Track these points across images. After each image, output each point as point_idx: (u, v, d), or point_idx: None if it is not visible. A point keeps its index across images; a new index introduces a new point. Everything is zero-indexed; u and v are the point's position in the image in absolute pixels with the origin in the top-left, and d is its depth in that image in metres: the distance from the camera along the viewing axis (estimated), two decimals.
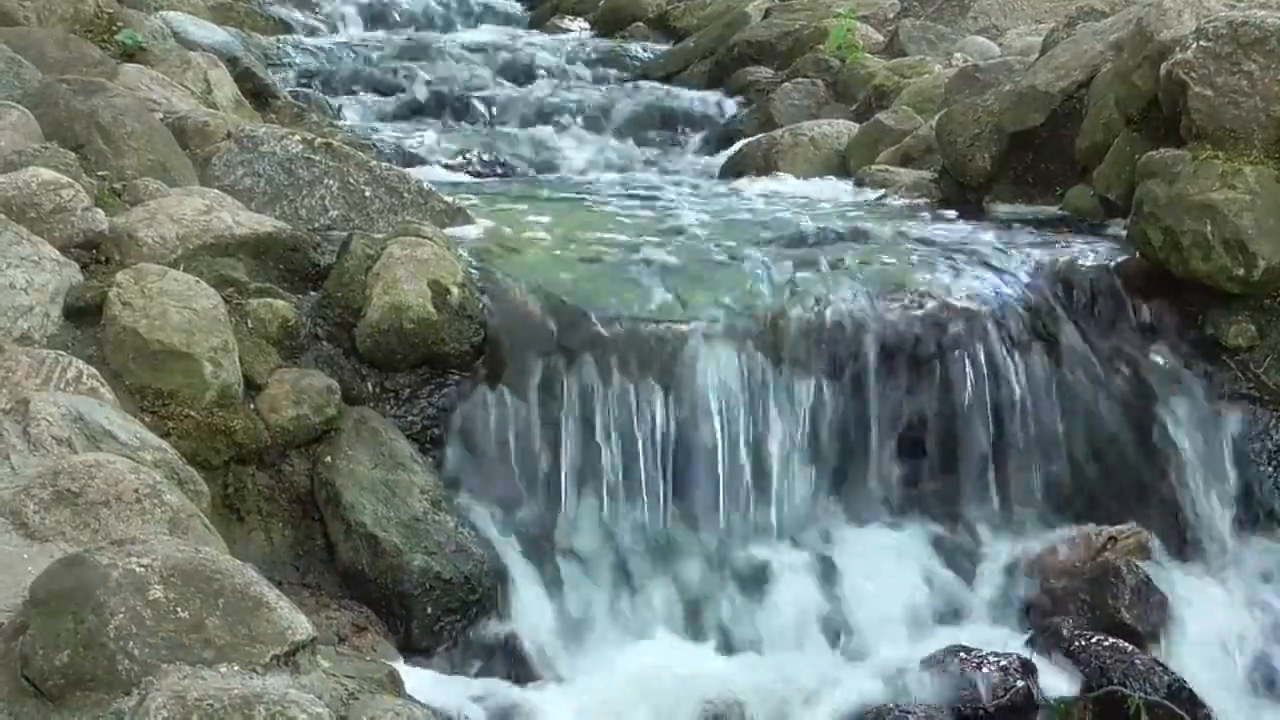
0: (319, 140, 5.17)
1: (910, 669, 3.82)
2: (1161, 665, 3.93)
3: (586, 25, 10.72)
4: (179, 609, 2.53)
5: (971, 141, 5.65)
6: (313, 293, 4.31)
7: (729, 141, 7.62)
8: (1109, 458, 4.45)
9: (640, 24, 10.31)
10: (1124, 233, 4.86)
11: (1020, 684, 3.76)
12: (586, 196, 6.08)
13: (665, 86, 8.72)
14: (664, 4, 10.35)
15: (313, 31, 9.65)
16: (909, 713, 3.68)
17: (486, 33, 10.23)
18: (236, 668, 2.50)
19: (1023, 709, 3.75)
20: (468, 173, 6.98)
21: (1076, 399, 4.46)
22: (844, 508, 4.34)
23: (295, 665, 2.58)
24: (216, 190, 4.66)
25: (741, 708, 3.71)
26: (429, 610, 3.80)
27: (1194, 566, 4.32)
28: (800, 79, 8.03)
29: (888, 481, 4.38)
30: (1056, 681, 3.87)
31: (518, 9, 11.21)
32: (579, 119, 8.01)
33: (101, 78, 5.33)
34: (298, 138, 5.14)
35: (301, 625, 2.63)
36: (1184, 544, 4.36)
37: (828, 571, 4.18)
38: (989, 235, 5.07)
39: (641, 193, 6.17)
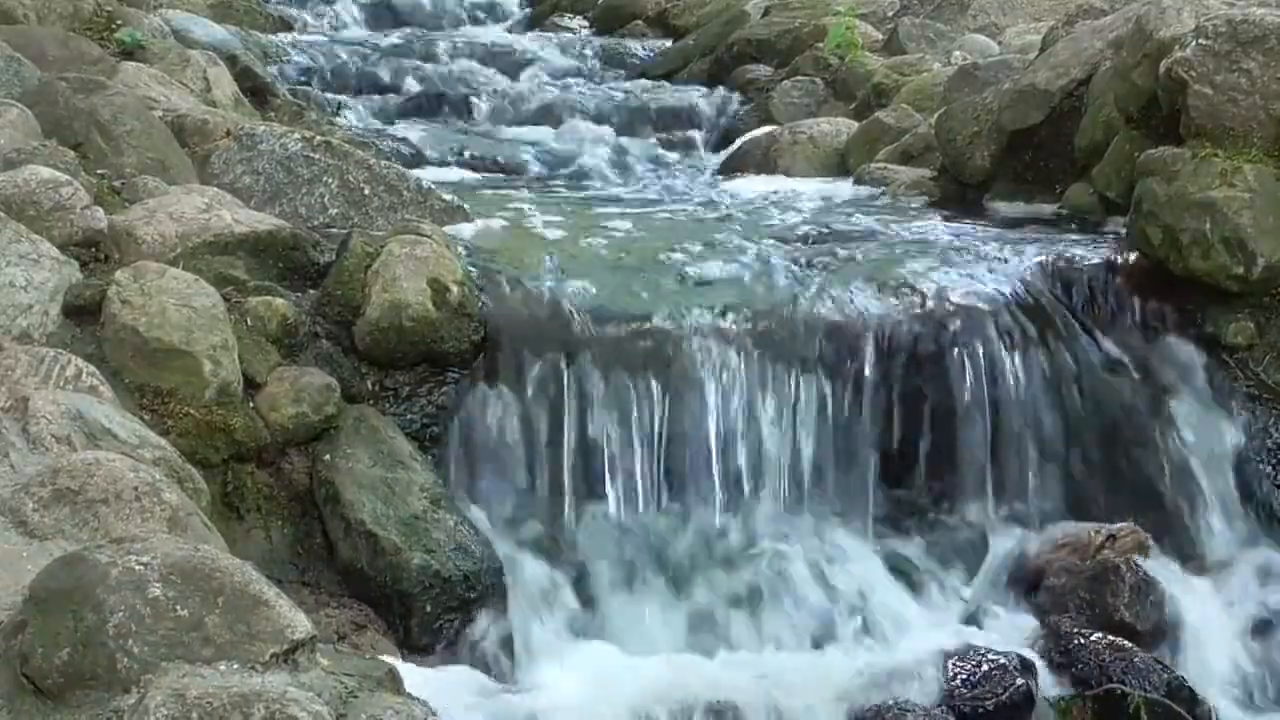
0: (318, 138, 5.17)
1: (909, 667, 3.81)
2: (1160, 663, 3.93)
3: (586, 24, 10.72)
4: (178, 607, 2.53)
5: (971, 139, 5.65)
6: (312, 291, 4.30)
7: (728, 139, 7.62)
8: (1108, 456, 4.45)
9: (639, 22, 10.30)
10: (1123, 231, 4.86)
11: (1019, 682, 3.76)
12: (585, 194, 6.09)
13: (664, 84, 8.71)
14: (663, 2, 10.34)
15: (312, 29, 9.65)
16: (908, 711, 3.67)
17: (486, 31, 10.22)
18: (236, 666, 2.50)
19: (1022, 707, 3.75)
20: (466, 171, 6.97)
21: (1075, 397, 4.46)
22: (842, 505, 4.34)
23: (294, 663, 2.58)
24: (216, 188, 4.65)
25: (739, 704, 3.71)
26: (428, 608, 3.80)
27: (1193, 565, 4.32)
28: (799, 77, 8.02)
29: (886, 479, 4.38)
30: (1056, 680, 3.87)
31: (517, 7, 11.20)
32: (578, 117, 7.99)
33: (101, 76, 5.34)
34: (297, 136, 5.14)
35: (301, 623, 2.63)
36: (1183, 542, 4.36)
37: (825, 570, 4.18)
38: (988, 233, 5.08)
39: (640, 191, 6.19)
